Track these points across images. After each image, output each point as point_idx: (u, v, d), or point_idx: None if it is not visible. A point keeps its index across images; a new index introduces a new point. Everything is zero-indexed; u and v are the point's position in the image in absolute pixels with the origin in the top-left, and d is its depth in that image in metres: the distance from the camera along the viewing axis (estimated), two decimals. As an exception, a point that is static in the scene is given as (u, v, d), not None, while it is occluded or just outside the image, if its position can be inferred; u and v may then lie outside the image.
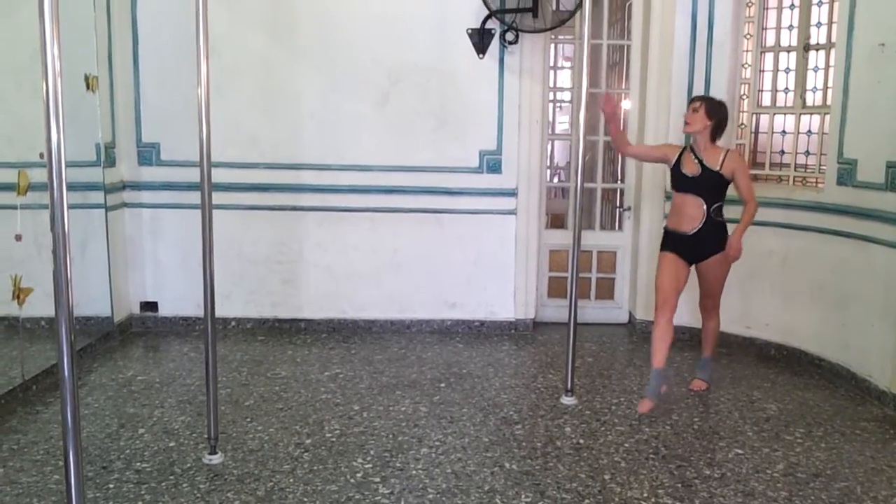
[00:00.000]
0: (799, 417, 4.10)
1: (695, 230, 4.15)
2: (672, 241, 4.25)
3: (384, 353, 5.05)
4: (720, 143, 4.22)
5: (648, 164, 5.40)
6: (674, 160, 4.22)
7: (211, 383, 3.38)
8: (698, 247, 4.18)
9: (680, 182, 4.20)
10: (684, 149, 4.24)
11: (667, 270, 4.20)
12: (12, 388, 4.03)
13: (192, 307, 5.36)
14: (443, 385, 4.49)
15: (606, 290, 5.86)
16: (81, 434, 2.22)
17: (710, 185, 4.12)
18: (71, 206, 2.08)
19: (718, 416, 4.08)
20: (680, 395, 4.38)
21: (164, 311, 5.50)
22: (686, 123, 4.17)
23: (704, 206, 4.12)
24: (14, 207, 4.17)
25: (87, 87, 4.73)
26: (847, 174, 4.53)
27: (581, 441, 3.74)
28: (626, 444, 3.70)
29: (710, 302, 4.40)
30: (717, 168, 4.10)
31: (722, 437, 3.81)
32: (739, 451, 3.65)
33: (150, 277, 5.46)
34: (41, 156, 3.82)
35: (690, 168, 4.15)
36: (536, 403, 4.24)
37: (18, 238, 4.15)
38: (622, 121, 4.49)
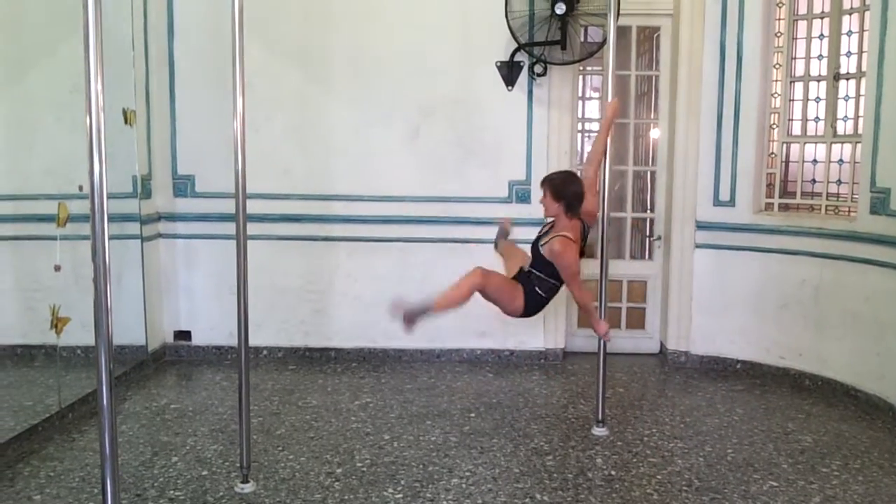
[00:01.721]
0: (835, 449, 4.03)
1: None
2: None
3: (414, 383, 5.06)
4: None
5: (679, 192, 5.41)
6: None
7: (244, 412, 3.41)
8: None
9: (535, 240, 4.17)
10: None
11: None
12: (49, 415, 4.10)
13: (224, 336, 5.42)
14: (473, 415, 4.49)
15: (637, 320, 5.83)
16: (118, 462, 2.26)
17: (534, 252, 4.09)
18: (109, 237, 2.12)
19: (752, 448, 4.03)
20: (713, 425, 4.34)
21: (197, 340, 5.57)
22: (545, 209, 4.07)
23: (528, 263, 4.13)
24: (54, 238, 4.27)
25: (125, 121, 4.86)
26: (880, 203, 4.50)
27: (613, 473, 3.71)
28: (659, 476, 3.66)
29: None
30: (543, 243, 4.02)
31: (756, 470, 3.75)
32: (774, 484, 3.59)
33: (183, 307, 5.54)
34: (80, 188, 3.96)
35: (541, 235, 4.14)
36: (567, 434, 4.22)
37: (57, 269, 4.25)
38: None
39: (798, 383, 5.07)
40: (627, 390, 4.99)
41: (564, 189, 3.98)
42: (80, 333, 4.20)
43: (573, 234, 3.97)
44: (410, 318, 3.88)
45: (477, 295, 3.96)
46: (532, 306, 4.09)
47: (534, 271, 4.05)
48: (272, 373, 5.24)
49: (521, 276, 4.12)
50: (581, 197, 4.00)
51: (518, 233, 5.40)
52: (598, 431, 4.21)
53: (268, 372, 5.25)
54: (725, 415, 4.52)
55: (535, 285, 4.04)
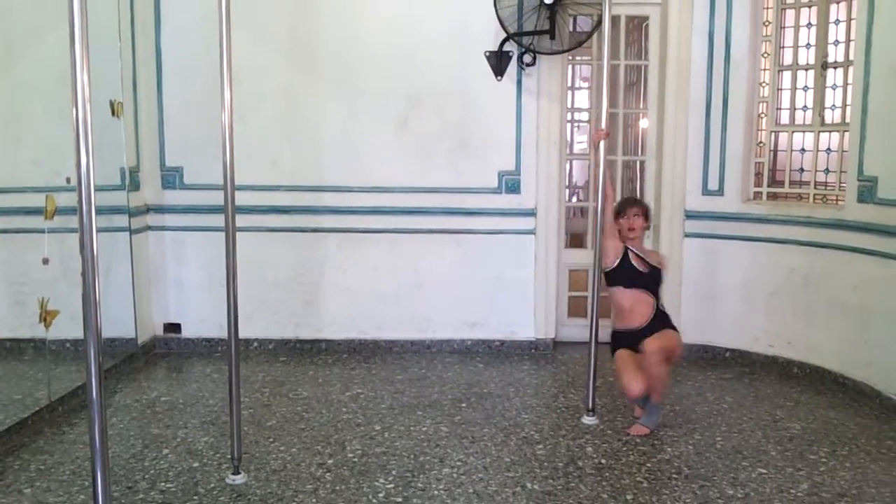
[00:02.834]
0: (823, 436, 4.06)
1: (643, 325, 4.12)
2: (625, 339, 4.20)
3: (405, 373, 5.07)
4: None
5: (668, 182, 5.42)
6: (621, 254, 4.17)
7: (234, 404, 3.40)
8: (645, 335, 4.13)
9: (632, 277, 4.14)
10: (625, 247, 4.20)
11: (629, 360, 4.13)
12: (39, 408, 4.09)
13: (214, 328, 5.41)
14: (464, 405, 4.50)
15: (627, 310, 5.83)
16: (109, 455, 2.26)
17: (656, 282, 4.20)
18: (97, 230, 2.12)
19: (741, 436, 4.05)
20: (702, 413, 4.36)
21: (186, 332, 5.56)
22: (630, 229, 4.18)
23: (654, 301, 4.17)
24: (41, 231, 4.25)
25: (113, 113, 4.83)
26: (868, 191, 4.52)
27: (603, 461, 3.73)
28: (649, 464, 3.69)
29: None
30: (659, 266, 4.21)
31: (745, 457, 3.78)
32: (763, 471, 3.62)
33: (173, 299, 5.53)
34: (68, 180, 3.95)
35: (641, 265, 4.15)
36: (558, 423, 4.24)
37: (46, 262, 4.23)
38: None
39: (786, 371, 5.10)
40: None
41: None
42: (69, 326, 4.19)
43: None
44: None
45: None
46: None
47: (659, 301, 4.24)
48: (262, 365, 5.24)
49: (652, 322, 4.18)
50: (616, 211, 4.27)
51: (509, 223, 5.44)
52: (588, 420, 4.23)
53: (258, 364, 5.25)
54: (714, 403, 4.55)
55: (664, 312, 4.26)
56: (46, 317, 4.21)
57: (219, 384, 4.80)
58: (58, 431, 4.01)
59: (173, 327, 5.57)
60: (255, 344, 5.53)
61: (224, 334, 3.45)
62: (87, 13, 2.01)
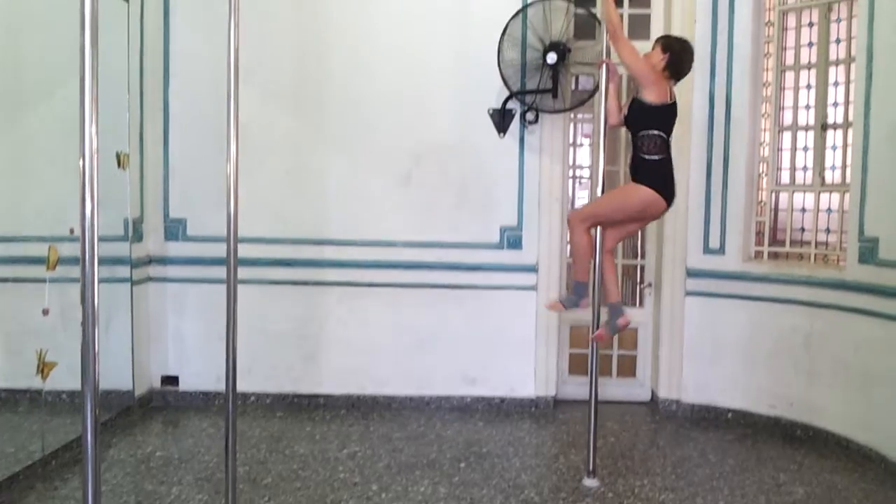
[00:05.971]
0: (827, 502, 3.99)
1: None
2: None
3: (403, 431, 5.01)
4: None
5: (669, 239, 5.42)
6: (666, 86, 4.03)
7: (230, 461, 3.34)
8: None
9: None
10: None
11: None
12: (32, 462, 4.02)
13: (212, 381, 5.36)
14: (462, 465, 4.43)
15: (628, 368, 5.81)
16: (101, 512, 2.21)
17: (631, 118, 4.12)
18: (99, 281, 2.10)
19: (744, 500, 3.98)
20: (704, 476, 4.29)
21: (184, 385, 5.50)
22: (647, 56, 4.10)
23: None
24: (43, 281, 4.24)
25: (119, 165, 4.86)
26: (869, 252, 4.52)
27: (604, 524, 3.66)
28: (651, 528, 3.61)
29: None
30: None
31: (749, 522, 3.71)
32: (768, 537, 3.55)
33: (171, 351, 5.49)
34: (71, 231, 3.94)
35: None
36: (558, 485, 4.17)
37: (46, 312, 4.21)
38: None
39: (789, 433, 5.04)
40: (619, 440, 4.94)
41: (678, 45, 4.06)
42: (66, 378, 4.15)
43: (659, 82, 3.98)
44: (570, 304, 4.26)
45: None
46: (656, 178, 4.02)
47: (638, 135, 4.03)
48: (259, 420, 5.17)
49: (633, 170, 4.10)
50: (687, 68, 4.09)
51: (510, 279, 5.43)
52: (589, 483, 4.16)
53: (255, 419, 5.18)
54: (717, 465, 4.49)
55: (642, 156, 4.03)
56: (44, 368, 4.17)
57: (215, 439, 4.73)
58: (49, 486, 3.95)
59: (171, 380, 5.51)
60: (253, 398, 5.47)
61: (222, 388, 3.40)
62: (97, 69, 2.02)
